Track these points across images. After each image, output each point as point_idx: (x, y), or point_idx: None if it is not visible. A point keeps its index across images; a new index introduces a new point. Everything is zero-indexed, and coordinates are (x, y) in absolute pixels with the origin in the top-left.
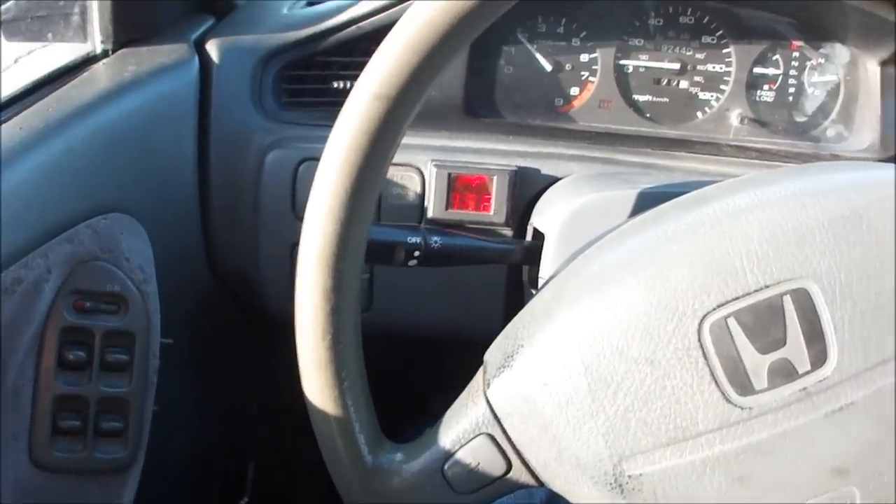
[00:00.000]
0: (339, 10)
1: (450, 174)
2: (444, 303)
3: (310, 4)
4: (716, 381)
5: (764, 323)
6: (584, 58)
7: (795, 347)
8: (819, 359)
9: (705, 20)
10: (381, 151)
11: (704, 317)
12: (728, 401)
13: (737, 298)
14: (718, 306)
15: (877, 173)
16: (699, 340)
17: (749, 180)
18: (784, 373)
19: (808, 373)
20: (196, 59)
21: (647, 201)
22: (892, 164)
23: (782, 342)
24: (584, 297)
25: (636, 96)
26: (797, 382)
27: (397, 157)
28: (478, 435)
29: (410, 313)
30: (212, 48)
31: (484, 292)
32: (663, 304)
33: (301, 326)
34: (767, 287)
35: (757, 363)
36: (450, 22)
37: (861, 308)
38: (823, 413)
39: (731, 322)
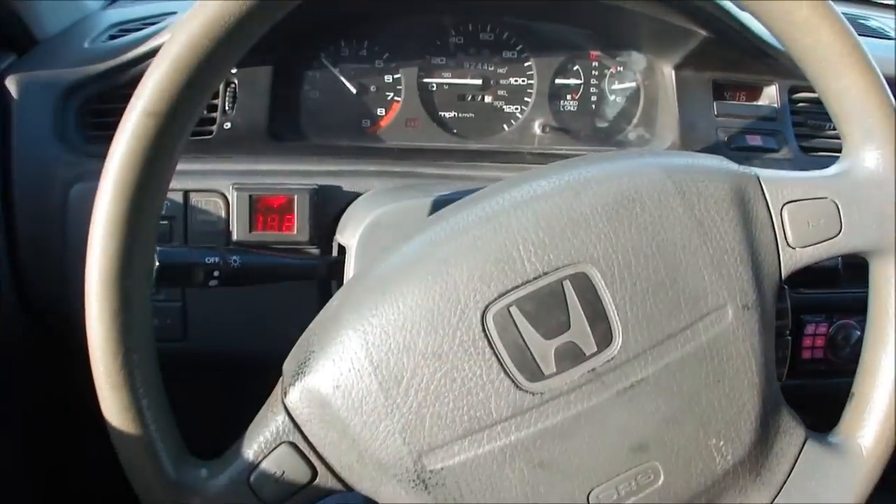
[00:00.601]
0: (138, 42)
1: (251, 196)
2: (259, 328)
3: (111, 38)
4: (504, 370)
5: (546, 309)
6: (388, 78)
7: (580, 330)
8: (604, 339)
9: (505, 36)
10: (156, 168)
11: (487, 307)
12: (519, 388)
13: (517, 287)
14: (500, 296)
15: (648, 159)
16: (484, 331)
17: (525, 175)
18: (571, 356)
19: (594, 354)
20: None
21: (442, 208)
22: (665, 152)
23: (566, 326)
24: (369, 299)
25: (442, 113)
26: (585, 364)
27: (201, 184)
28: (280, 444)
29: (227, 340)
30: (11, 84)
31: (298, 315)
32: (445, 297)
33: (92, 346)
34: (546, 274)
35: (543, 349)
36: (212, 40)
37: (641, 288)
38: (615, 392)
39: (514, 310)
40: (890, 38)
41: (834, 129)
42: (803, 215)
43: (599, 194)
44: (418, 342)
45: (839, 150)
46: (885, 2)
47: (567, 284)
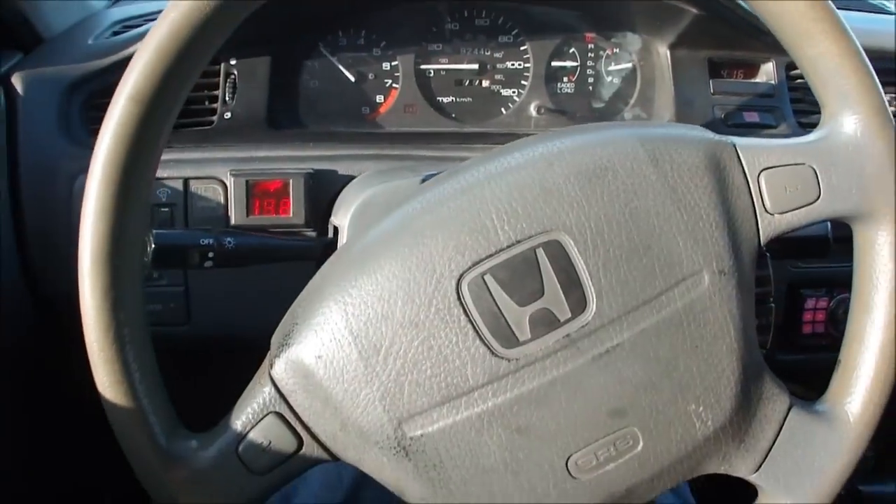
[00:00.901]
0: (140, 37)
1: (247, 181)
2: (260, 310)
3: (114, 34)
4: (480, 337)
5: (520, 276)
6: (386, 66)
7: (554, 297)
8: (578, 306)
9: (500, 20)
10: (142, 152)
11: (461, 276)
12: (494, 354)
13: (490, 256)
14: (474, 265)
15: (623, 130)
16: (459, 299)
17: (502, 149)
18: (545, 322)
19: (569, 320)
20: (0, 92)
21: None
22: (641, 122)
23: (540, 293)
24: (350, 271)
25: (440, 98)
26: (559, 330)
27: (201, 171)
28: (267, 414)
29: (229, 323)
30: (17, 81)
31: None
32: (421, 267)
33: (85, 322)
34: (519, 242)
35: (518, 315)
36: (193, 27)
37: (615, 255)
38: (590, 357)
39: (488, 278)
40: (890, 13)
41: None
42: (781, 181)
43: (572, 163)
44: (396, 312)
45: None
46: None
47: (540, 252)
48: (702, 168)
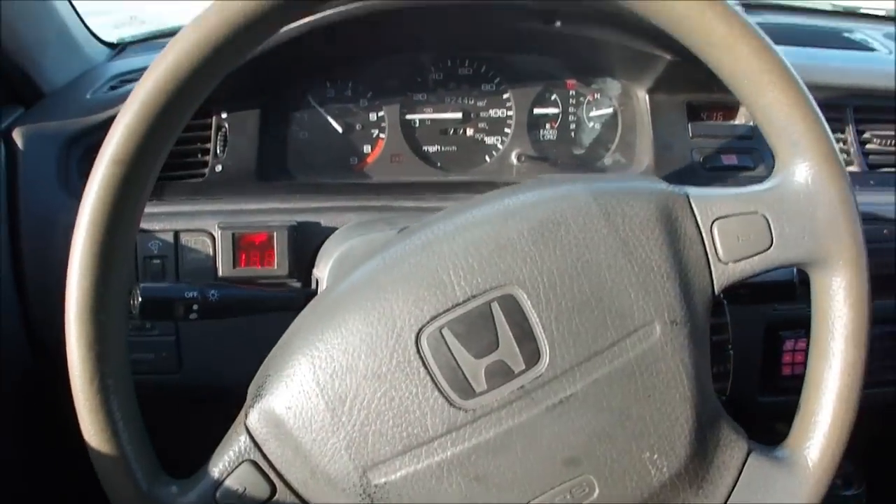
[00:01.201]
0: None
1: (234, 234)
2: (249, 358)
3: (112, 89)
4: (439, 389)
5: (476, 330)
6: (373, 116)
7: (508, 349)
8: (532, 358)
9: (482, 69)
10: (126, 211)
11: (420, 330)
12: (452, 405)
13: (448, 310)
14: (432, 319)
15: (577, 185)
16: (419, 352)
17: (464, 204)
18: (501, 373)
19: (523, 372)
20: (2, 147)
21: None
22: (597, 176)
23: (495, 345)
24: (317, 325)
25: (425, 147)
26: (514, 381)
27: (190, 224)
28: (242, 462)
29: (219, 372)
30: (17, 136)
31: None
32: (383, 322)
33: (71, 373)
34: (475, 297)
35: (474, 368)
36: (167, 94)
37: (567, 307)
38: (544, 407)
39: (446, 332)
40: (872, 50)
41: None
42: (734, 230)
43: (526, 219)
44: (360, 364)
45: None
46: (874, 13)
47: (495, 306)
48: (653, 221)
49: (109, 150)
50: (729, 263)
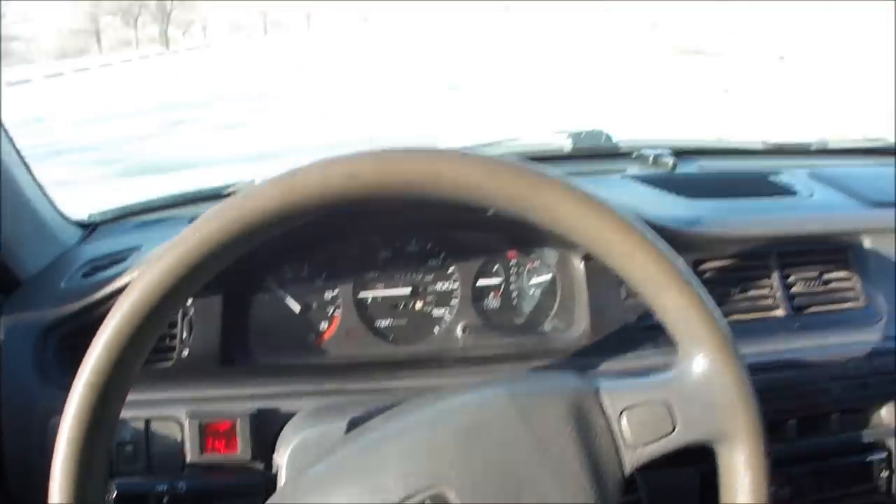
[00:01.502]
0: (106, 281)
1: (200, 423)
2: None
3: (84, 276)
4: None
5: None
6: (328, 295)
7: None
8: None
9: (428, 246)
10: (100, 425)
11: None
12: None
13: None
14: None
15: (496, 389)
16: None
17: (399, 409)
18: None
19: None
20: None
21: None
22: (518, 375)
23: None
24: None
25: (378, 322)
26: None
27: (159, 412)
28: None
29: None
30: None
31: None
32: None
33: None
34: (410, 497)
35: None
36: (131, 328)
37: (491, 502)
38: None
39: None
40: (794, 194)
41: (742, 292)
42: (640, 418)
43: (451, 425)
44: None
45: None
46: (801, 148)
47: None
48: (566, 417)
49: (84, 374)
50: (637, 448)
